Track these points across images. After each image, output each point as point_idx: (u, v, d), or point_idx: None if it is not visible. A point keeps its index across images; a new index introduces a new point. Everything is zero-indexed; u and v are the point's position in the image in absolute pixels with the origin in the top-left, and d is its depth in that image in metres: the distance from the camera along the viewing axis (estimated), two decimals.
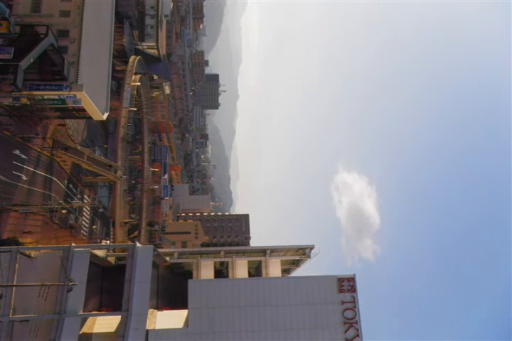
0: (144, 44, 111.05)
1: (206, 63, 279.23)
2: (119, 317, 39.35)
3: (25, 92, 48.00)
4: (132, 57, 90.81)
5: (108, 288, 48.51)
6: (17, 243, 42.67)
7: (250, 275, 59.06)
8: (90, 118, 61.10)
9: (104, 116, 62.23)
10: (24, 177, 49.76)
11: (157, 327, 41.53)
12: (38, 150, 54.45)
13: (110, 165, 67.63)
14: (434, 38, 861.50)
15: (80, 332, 38.74)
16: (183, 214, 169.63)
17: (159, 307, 48.48)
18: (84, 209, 67.89)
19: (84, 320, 41.25)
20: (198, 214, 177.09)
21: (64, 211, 55.66)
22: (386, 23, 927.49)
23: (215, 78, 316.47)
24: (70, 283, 34.30)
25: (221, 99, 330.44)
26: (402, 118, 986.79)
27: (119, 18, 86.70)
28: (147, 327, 39.39)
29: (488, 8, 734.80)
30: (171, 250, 61.54)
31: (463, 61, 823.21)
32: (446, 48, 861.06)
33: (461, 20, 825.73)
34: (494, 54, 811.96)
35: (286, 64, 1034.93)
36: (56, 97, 51.35)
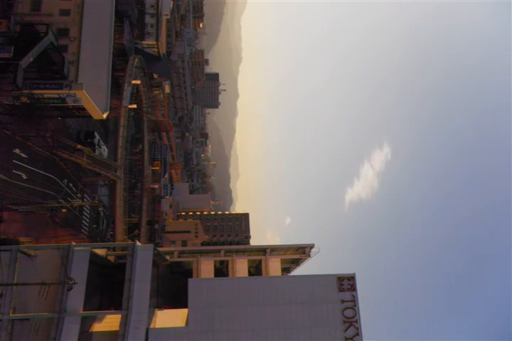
0: (143, 43, 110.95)
1: (206, 62, 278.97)
2: (119, 316, 39.39)
3: (25, 91, 48.05)
4: (132, 56, 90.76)
5: (108, 287, 48.54)
6: (17, 242, 42.78)
7: (250, 274, 59.06)
8: (90, 117, 61.14)
9: (105, 115, 62.27)
10: (24, 176, 49.79)
11: (157, 326, 41.54)
12: (38, 149, 54.48)
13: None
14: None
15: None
16: (183, 213, 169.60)
17: (159, 306, 48.50)
18: (85, 208, 67.94)
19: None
20: (198, 213, 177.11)
21: (64, 210, 55.69)
22: (386, 23, 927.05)
23: (215, 77, 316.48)
24: (70, 282, 34.38)
25: (221, 98, 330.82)
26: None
27: (119, 16, 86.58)
28: (147, 326, 39.45)
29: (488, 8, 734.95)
30: (171, 249, 61.55)
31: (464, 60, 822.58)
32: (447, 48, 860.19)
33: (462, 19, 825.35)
34: (494, 54, 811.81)
35: (286, 62, 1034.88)
36: (56, 96, 51.38)
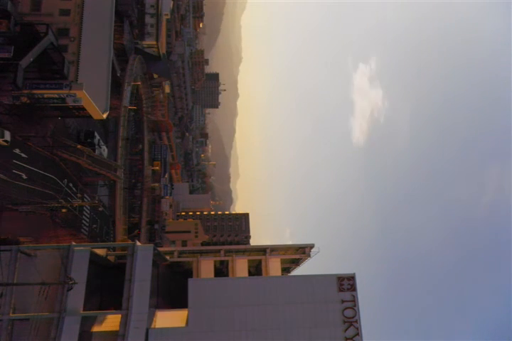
0: (143, 43, 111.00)
1: (206, 62, 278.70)
2: (119, 316, 39.37)
3: (25, 91, 48.06)
4: (132, 56, 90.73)
5: (108, 286, 48.51)
6: (17, 242, 42.77)
7: (250, 274, 59.04)
8: (90, 117, 61.12)
9: (105, 115, 62.25)
10: (24, 176, 49.79)
11: (157, 326, 41.57)
12: (38, 149, 54.45)
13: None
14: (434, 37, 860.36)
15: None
16: (183, 213, 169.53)
17: (159, 306, 48.50)
18: (85, 208, 67.92)
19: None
20: (198, 213, 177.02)
21: (64, 210, 55.67)
22: (388, 23, 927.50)
23: (215, 77, 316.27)
24: (71, 282, 34.38)
25: (221, 98, 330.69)
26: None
27: (119, 16, 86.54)
28: (147, 326, 39.44)
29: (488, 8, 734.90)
30: (171, 249, 61.56)
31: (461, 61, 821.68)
32: (444, 48, 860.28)
33: (460, 20, 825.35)
34: (493, 54, 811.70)
35: (287, 62, 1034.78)
36: (56, 96, 51.40)
